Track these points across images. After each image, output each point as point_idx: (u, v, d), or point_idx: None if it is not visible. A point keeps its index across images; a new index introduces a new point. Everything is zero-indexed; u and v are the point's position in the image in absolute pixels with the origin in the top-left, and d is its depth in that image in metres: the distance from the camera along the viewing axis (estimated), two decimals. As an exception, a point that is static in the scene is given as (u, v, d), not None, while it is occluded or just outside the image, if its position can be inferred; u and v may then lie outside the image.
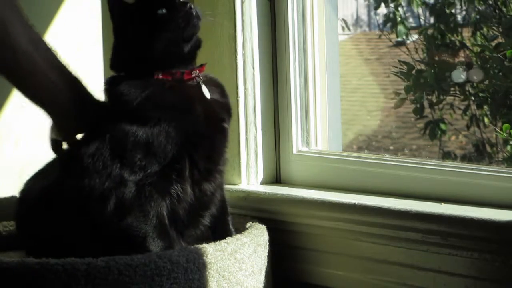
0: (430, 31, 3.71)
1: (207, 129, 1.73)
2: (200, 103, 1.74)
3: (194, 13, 1.73)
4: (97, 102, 1.76)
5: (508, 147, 3.32)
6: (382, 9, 4.05)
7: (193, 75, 1.76)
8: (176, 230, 1.75)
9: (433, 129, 3.73)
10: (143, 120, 1.69)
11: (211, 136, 1.74)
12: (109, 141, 1.70)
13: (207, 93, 1.76)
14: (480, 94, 3.38)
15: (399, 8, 3.88)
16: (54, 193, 1.77)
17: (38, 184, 1.85)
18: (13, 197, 2.12)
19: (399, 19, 3.82)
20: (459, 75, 3.29)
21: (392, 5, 3.86)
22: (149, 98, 1.70)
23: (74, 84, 1.71)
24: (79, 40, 2.25)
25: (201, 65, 1.79)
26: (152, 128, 1.68)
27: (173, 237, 1.74)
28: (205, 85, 1.77)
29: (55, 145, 1.80)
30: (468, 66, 3.29)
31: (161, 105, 1.70)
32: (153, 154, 1.68)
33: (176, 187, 1.71)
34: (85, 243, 1.72)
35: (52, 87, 1.67)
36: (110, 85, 1.76)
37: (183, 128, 1.69)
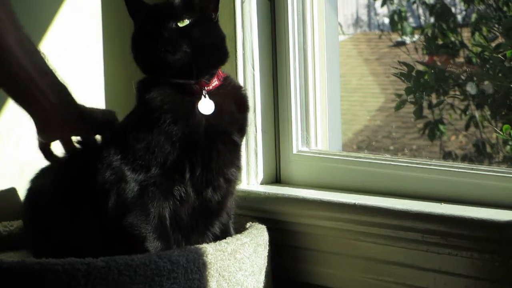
0: (430, 31, 3.71)
1: (206, 139, 1.72)
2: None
3: (161, 49, 1.69)
4: (82, 109, 1.74)
5: (508, 147, 3.32)
6: (383, 9, 4.05)
7: (194, 89, 1.74)
8: (181, 234, 1.75)
9: (432, 129, 3.74)
10: (147, 118, 1.70)
11: (210, 146, 1.73)
12: (116, 133, 1.74)
13: (204, 108, 1.73)
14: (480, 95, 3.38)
15: (403, 5, 3.89)
16: (62, 188, 1.78)
17: (47, 180, 1.84)
18: (13, 197, 2.12)
19: (404, 15, 3.83)
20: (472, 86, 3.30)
21: (396, 1, 3.87)
22: (155, 100, 1.71)
23: (59, 90, 1.69)
24: (79, 40, 2.25)
25: (200, 80, 1.73)
26: (153, 128, 1.70)
27: (178, 241, 1.74)
28: (222, 96, 1.75)
29: (43, 145, 1.79)
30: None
31: (163, 107, 1.71)
32: (152, 153, 1.69)
33: (179, 188, 1.71)
34: (90, 242, 1.73)
35: (35, 90, 1.64)
36: (141, 86, 1.77)
37: (182, 133, 1.70)
